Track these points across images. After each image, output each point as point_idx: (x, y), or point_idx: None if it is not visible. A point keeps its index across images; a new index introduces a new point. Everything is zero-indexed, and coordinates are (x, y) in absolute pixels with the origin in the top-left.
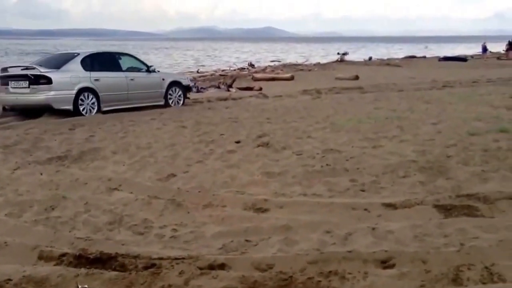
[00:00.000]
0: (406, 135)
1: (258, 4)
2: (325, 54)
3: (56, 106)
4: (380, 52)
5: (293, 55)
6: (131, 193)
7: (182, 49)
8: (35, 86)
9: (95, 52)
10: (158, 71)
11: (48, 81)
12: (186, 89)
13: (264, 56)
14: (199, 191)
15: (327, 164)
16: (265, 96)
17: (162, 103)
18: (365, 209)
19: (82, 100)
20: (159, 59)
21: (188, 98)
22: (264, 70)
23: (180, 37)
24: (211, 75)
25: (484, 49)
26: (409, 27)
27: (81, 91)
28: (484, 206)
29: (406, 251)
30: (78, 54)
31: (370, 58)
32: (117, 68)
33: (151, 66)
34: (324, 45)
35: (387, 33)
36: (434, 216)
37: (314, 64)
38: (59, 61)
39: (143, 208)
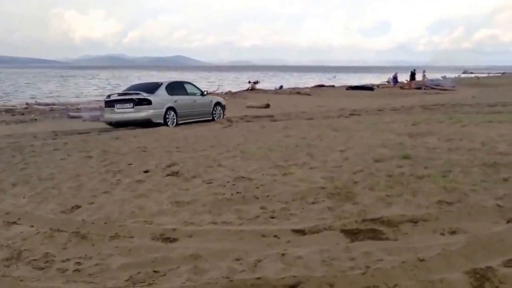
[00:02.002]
0: (315, 162)
1: (169, 33)
2: (236, 83)
3: (154, 120)
4: (291, 81)
5: (204, 83)
6: (32, 226)
7: (87, 77)
8: (139, 107)
9: (172, 81)
10: (208, 95)
11: (149, 102)
12: (223, 107)
13: None
14: (105, 222)
15: (237, 192)
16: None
17: (210, 118)
18: (275, 236)
19: (168, 115)
20: (60, 87)
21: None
22: None
23: (87, 65)
24: None
25: (396, 79)
26: (318, 56)
27: (167, 109)
28: (388, 229)
29: (314, 275)
30: (162, 83)
31: (281, 87)
32: (185, 92)
33: (204, 91)
34: (235, 73)
35: (297, 62)
36: (341, 241)
37: (226, 93)
38: (151, 88)
39: (44, 242)
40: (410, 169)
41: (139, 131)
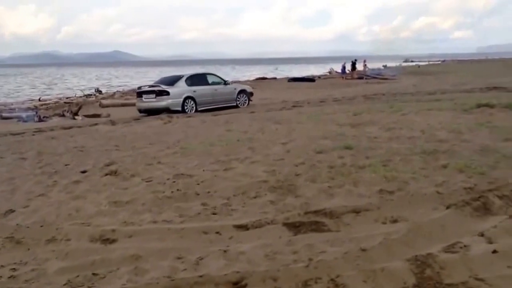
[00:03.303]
0: (257, 156)
1: (104, 28)
2: None
3: (172, 108)
4: (232, 74)
5: (143, 79)
6: None
7: (18, 76)
8: (160, 97)
9: (193, 73)
10: (232, 83)
11: (168, 93)
12: (250, 94)
13: (112, 81)
14: (41, 226)
15: (177, 190)
16: (114, 123)
17: (234, 104)
18: (217, 232)
19: (186, 103)
20: None
21: (251, 100)
22: (112, 96)
23: (19, 63)
24: (55, 103)
25: (344, 69)
26: (259, 49)
27: (186, 98)
28: (331, 221)
29: (257, 270)
30: (183, 76)
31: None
32: (206, 83)
33: (227, 81)
34: (175, 68)
35: (238, 55)
36: (284, 234)
37: None
38: (172, 81)
39: None
40: (351, 159)
41: (76, 130)
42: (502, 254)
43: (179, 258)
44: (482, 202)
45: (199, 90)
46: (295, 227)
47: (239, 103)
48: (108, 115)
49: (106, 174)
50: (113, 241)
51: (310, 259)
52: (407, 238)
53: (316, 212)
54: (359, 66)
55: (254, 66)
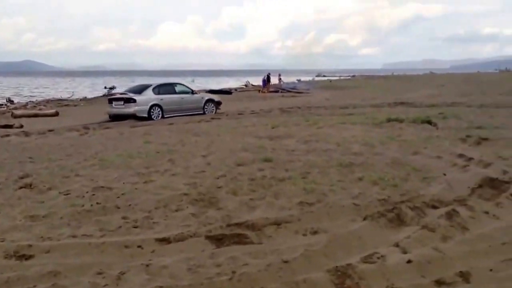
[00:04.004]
0: (177, 168)
1: (15, 36)
2: (92, 89)
3: (138, 114)
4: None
5: (57, 89)
6: None
7: None
8: (127, 104)
9: (162, 83)
10: (200, 93)
11: (134, 101)
12: (218, 103)
13: (24, 91)
14: None
15: (97, 203)
16: (27, 134)
17: (201, 112)
18: (139, 246)
19: (152, 111)
20: None
21: (219, 108)
22: (25, 106)
23: None
24: None
25: (265, 82)
26: (175, 60)
27: (152, 106)
28: (253, 233)
29: (180, 284)
30: (151, 85)
31: None
32: (173, 92)
33: (194, 90)
34: (90, 79)
35: (154, 67)
36: (206, 247)
37: (81, 99)
38: (141, 89)
39: None
40: (271, 172)
41: None
42: (416, 263)
43: (99, 273)
44: (396, 214)
45: (166, 98)
46: (217, 240)
47: (206, 111)
48: (21, 126)
49: (21, 187)
50: (30, 257)
51: (234, 272)
52: (327, 249)
53: (238, 225)
54: (274, 80)
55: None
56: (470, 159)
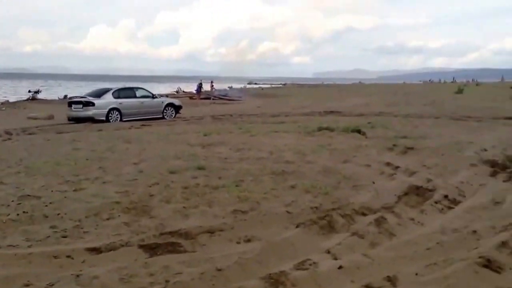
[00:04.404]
0: (108, 176)
1: None
2: (15, 92)
3: (96, 117)
4: (77, 90)
5: None
6: None
7: None
8: (86, 107)
9: (122, 87)
10: (159, 97)
11: (93, 104)
12: (178, 107)
13: None
14: None
15: (24, 212)
16: None
17: (161, 115)
18: (68, 256)
19: (111, 114)
20: None
21: (180, 113)
22: None
23: None
24: None
25: (199, 88)
26: (104, 65)
27: (111, 109)
28: (187, 241)
29: None
30: (112, 89)
31: (66, 96)
32: (133, 96)
33: (155, 95)
34: (13, 82)
35: (83, 71)
36: (139, 256)
37: (2, 103)
38: (100, 93)
39: None
40: (205, 180)
41: None
42: (347, 269)
43: (27, 285)
44: (327, 221)
45: (125, 102)
46: (151, 249)
47: (165, 115)
48: None
49: None
50: None
51: (167, 281)
52: (261, 257)
53: (171, 233)
54: (207, 87)
55: (100, 82)
56: (397, 167)
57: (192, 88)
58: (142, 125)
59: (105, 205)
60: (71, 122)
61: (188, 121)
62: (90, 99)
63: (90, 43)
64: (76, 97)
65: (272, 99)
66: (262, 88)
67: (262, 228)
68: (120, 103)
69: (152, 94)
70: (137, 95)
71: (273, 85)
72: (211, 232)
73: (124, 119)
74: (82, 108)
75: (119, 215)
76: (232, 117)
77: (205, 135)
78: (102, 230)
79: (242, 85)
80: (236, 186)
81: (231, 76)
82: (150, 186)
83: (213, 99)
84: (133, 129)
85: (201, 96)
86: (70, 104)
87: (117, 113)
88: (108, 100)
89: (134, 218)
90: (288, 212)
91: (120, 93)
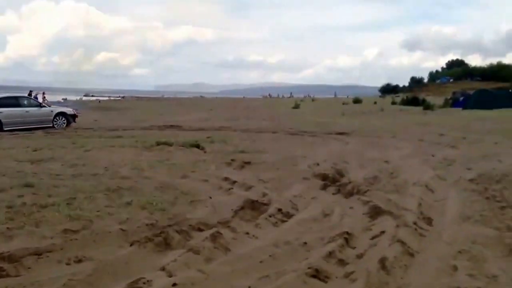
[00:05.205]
0: None
1: None
2: None
3: None
4: None
5: None
6: None
7: None
8: None
9: (3, 96)
10: (49, 106)
11: None
12: (71, 116)
13: None
14: None
15: None
16: None
17: (50, 125)
18: None
19: None
20: None
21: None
22: None
23: None
24: None
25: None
26: None
27: None
28: (10, 265)
29: None
30: None
31: None
32: (17, 105)
33: (42, 103)
34: None
35: None
36: None
37: None
38: None
39: None
40: (32, 198)
41: None
42: (181, 286)
43: None
44: (163, 238)
45: (6, 111)
46: None
47: (56, 125)
48: None
49: None
50: None
51: None
52: (92, 278)
53: None
54: (38, 98)
55: None
56: (234, 182)
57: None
58: None
59: None
60: None
61: (16, 135)
62: None
63: None
64: None
65: (110, 112)
66: (100, 101)
67: (95, 247)
68: (0, 112)
69: (39, 103)
70: (21, 104)
71: (111, 98)
72: (38, 254)
73: (6, 129)
74: None
75: None
76: (66, 131)
77: (35, 150)
78: None
79: (78, 97)
80: (68, 204)
81: (68, 88)
82: None
83: None
84: None
85: None
86: None
87: None
88: None
89: None
90: (122, 229)
91: (1, 102)
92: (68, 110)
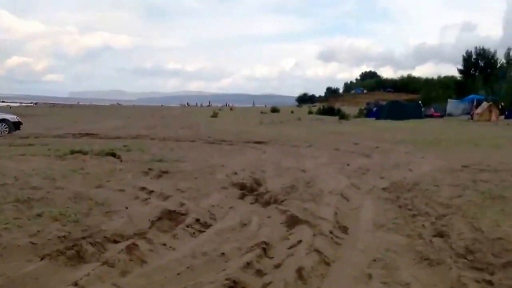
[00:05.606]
0: None
1: None
2: None
3: None
4: None
5: None
6: None
7: None
8: None
9: None
10: None
11: None
12: (16, 124)
13: None
14: None
15: None
16: None
17: None
18: None
19: None
20: None
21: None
22: None
23: None
24: None
25: None
26: None
27: None
28: None
29: None
30: None
31: None
32: None
33: None
34: None
35: None
36: None
37: None
38: None
39: None
40: None
41: None
42: None
43: None
44: (76, 251)
45: None
46: None
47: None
48: None
49: None
50: None
51: None
52: None
53: None
54: None
55: None
56: (152, 191)
57: None
58: None
59: None
60: None
61: None
62: None
63: None
64: None
65: (22, 119)
66: (10, 107)
67: (2, 262)
68: None
69: None
70: None
71: (23, 104)
72: None
73: None
74: None
75: None
76: None
77: None
78: None
79: None
80: None
81: None
82: None
83: None
84: None
85: None
86: None
87: None
88: None
89: None
90: (32, 243)
91: None
92: (12, 117)
